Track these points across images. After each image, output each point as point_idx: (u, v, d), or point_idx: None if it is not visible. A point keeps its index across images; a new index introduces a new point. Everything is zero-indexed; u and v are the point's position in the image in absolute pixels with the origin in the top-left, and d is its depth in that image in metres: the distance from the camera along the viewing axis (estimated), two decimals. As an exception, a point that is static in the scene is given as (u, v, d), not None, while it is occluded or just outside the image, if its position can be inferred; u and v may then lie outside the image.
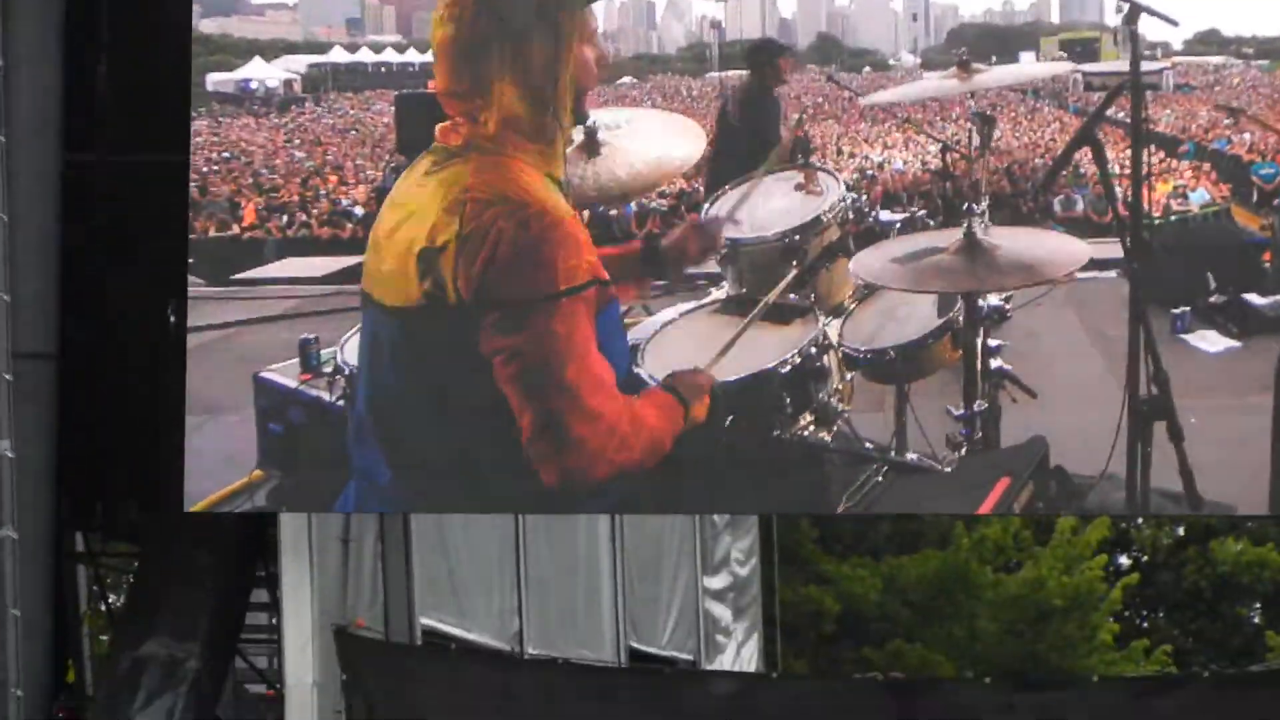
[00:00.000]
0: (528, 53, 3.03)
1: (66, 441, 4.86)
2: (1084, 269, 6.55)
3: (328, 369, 6.07)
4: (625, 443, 3.03)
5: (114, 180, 4.85)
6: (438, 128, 3.13)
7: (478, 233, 2.82)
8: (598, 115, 4.38)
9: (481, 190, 2.88)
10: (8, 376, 4.56)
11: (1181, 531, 12.31)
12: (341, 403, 5.43)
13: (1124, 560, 12.78)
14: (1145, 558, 12.88)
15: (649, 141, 5.09)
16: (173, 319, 4.77)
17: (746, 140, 9.24)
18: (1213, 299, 9.31)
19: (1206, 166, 21.58)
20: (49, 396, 4.87)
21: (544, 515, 5.89)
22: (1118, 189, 7.81)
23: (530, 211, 2.88)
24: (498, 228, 2.83)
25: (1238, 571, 12.53)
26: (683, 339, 4.73)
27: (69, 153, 4.80)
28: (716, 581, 8.33)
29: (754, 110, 9.66)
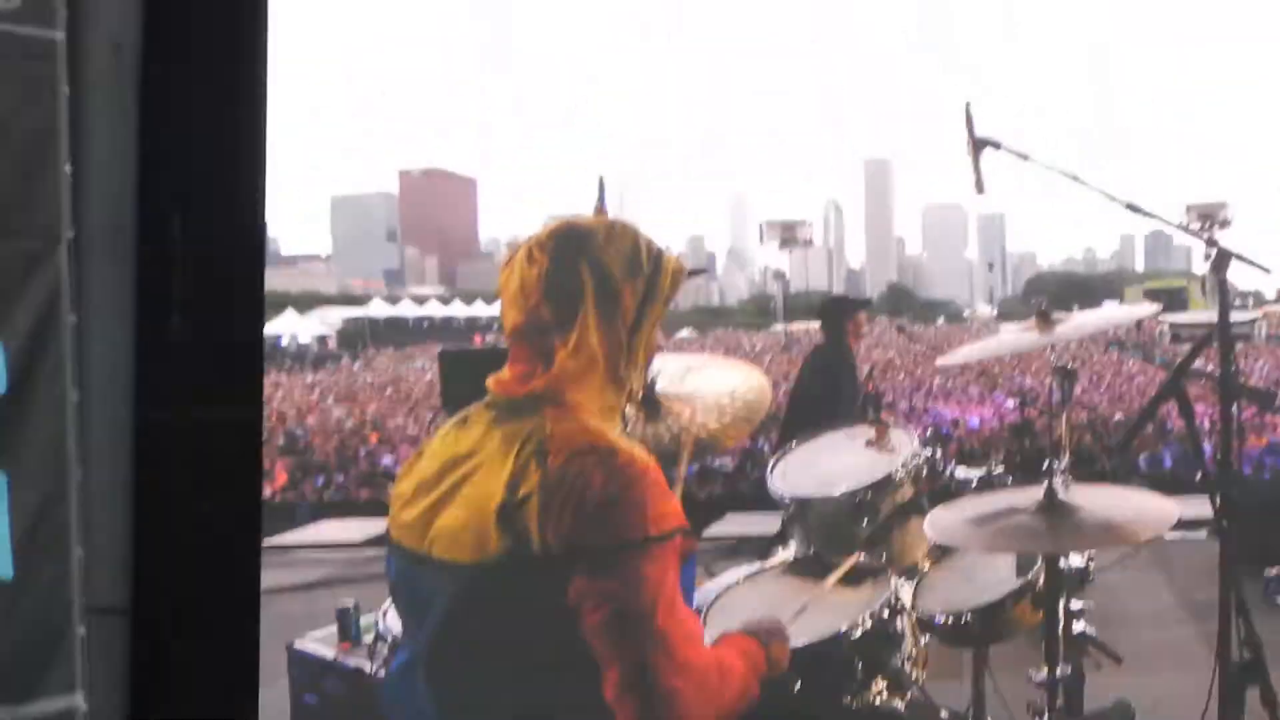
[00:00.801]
0: (623, 297, 3.11)
1: (139, 696, 4.91)
2: (1171, 529, 6.54)
3: (368, 637, 6.13)
4: (717, 694, 2.97)
5: (187, 435, 4.97)
6: (492, 379, 3.19)
7: (566, 481, 2.82)
8: (656, 363, 4.48)
9: (565, 439, 2.91)
10: (81, 630, 4.65)
11: None
12: (383, 673, 5.47)
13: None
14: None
15: (711, 396, 5.08)
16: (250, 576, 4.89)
17: (819, 398, 9.40)
18: (1310, 559, 9.29)
19: (1299, 419, 21.24)
20: (121, 650, 4.85)
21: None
22: (1206, 445, 7.84)
23: (620, 459, 2.89)
24: (587, 475, 2.84)
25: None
26: (748, 603, 4.73)
27: (142, 407, 4.94)
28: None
29: (827, 367, 9.83)
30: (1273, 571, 8.84)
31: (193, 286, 5.01)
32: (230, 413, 5.00)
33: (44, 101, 4.56)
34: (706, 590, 5.03)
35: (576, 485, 2.84)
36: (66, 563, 4.62)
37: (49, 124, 4.57)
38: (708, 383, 4.97)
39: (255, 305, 5.26)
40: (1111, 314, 5.80)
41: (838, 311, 10.26)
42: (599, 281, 3.08)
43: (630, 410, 3.59)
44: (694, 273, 3.56)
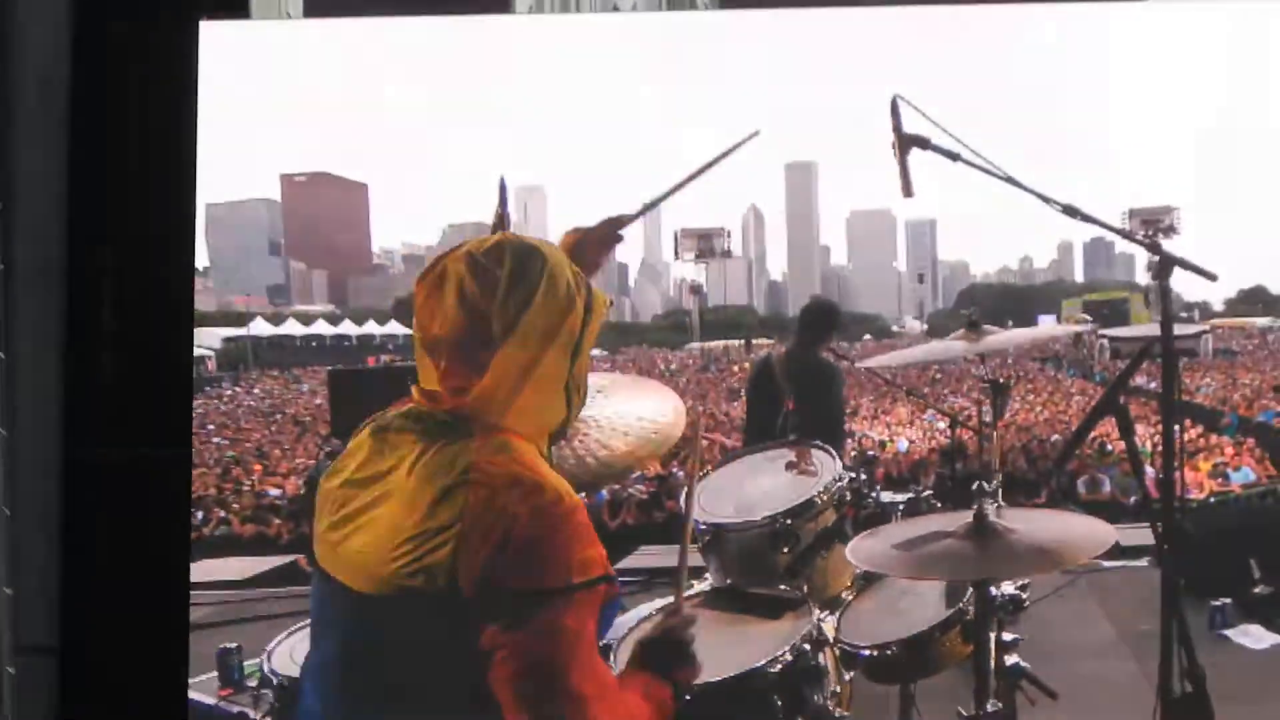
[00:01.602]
0: (569, 318, 3.13)
1: None
2: (1111, 557, 6.60)
3: (252, 682, 6.06)
4: None
5: (116, 473, 5.06)
6: (416, 389, 3.13)
7: (485, 520, 2.78)
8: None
9: (490, 473, 2.87)
10: (9, 670, 4.86)
11: None
12: None
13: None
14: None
15: (631, 405, 5.11)
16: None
17: (777, 409, 9.30)
18: (1257, 590, 9.41)
19: (1250, 442, 21.90)
20: (49, 690, 5.10)
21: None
22: (1149, 468, 7.90)
23: (546, 497, 2.86)
24: (510, 513, 2.80)
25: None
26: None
27: (70, 445, 5.03)
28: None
29: (802, 375, 9.71)
30: (1218, 602, 8.92)
31: (121, 322, 5.11)
32: (160, 450, 5.09)
33: None
34: (618, 625, 5.01)
35: (499, 523, 2.81)
36: None
37: None
38: (617, 406, 4.97)
39: (185, 341, 5.35)
40: (1044, 330, 5.85)
41: (828, 320, 10.16)
42: (548, 297, 3.07)
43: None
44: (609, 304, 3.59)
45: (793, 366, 9.47)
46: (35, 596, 5.10)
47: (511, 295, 3.04)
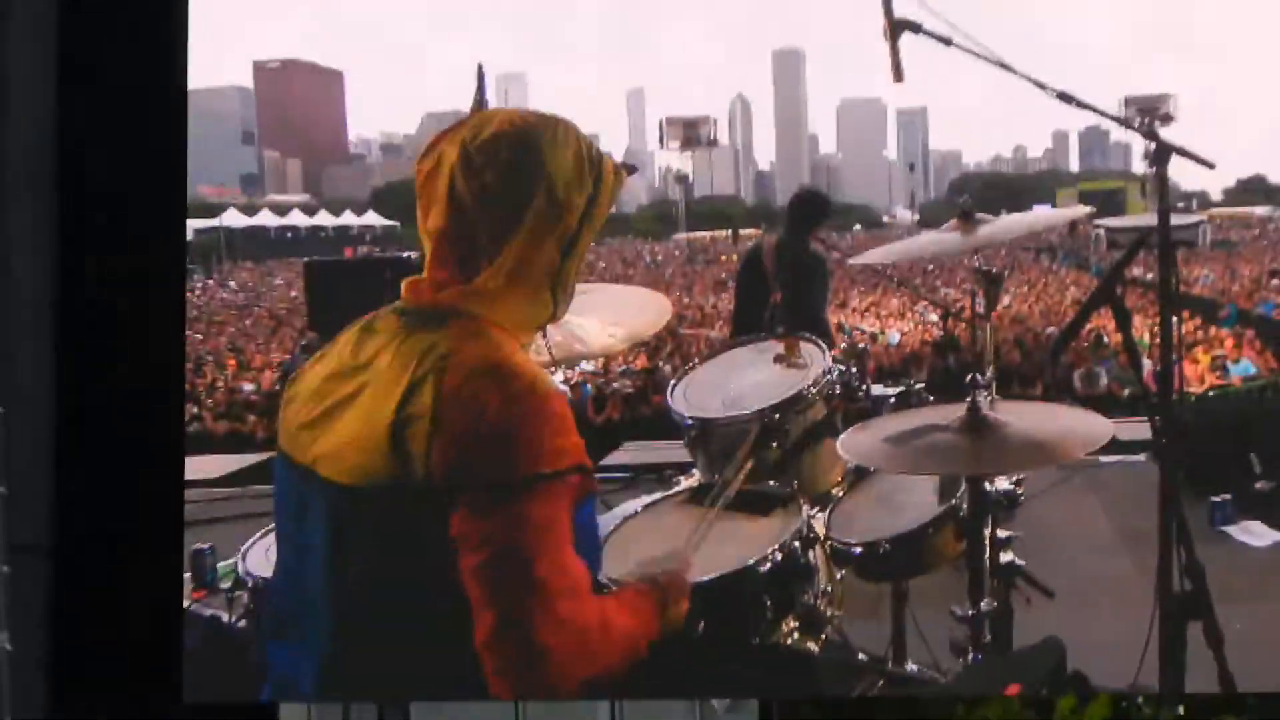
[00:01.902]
0: (566, 214, 3.08)
1: (61, 634, 5.37)
2: (1108, 452, 6.59)
3: (226, 583, 6.08)
4: (594, 654, 2.94)
5: (108, 374, 5.23)
6: (406, 283, 3.13)
7: (457, 405, 2.78)
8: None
9: (464, 358, 2.86)
10: (4, 569, 4.98)
11: (1182, 710, 12.44)
12: (243, 623, 5.44)
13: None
14: (1146, 736, 13.03)
15: (607, 312, 5.17)
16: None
17: (766, 300, 9.25)
18: (1258, 485, 9.44)
19: (1250, 334, 21.99)
20: (43, 589, 5.31)
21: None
22: (1146, 361, 7.91)
23: (520, 384, 2.86)
24: (481, 400, 2.80)
25: (1239, 754, 12.67)
26: (646, 536, 4.70)
27: (62, 343, 5.21)
28: (717, 770, 8.49)
29: (792, 266, 9.65)
30: (1218, 498, 8.93)
31: (114, 230, 5.44)
32: (153, 352, 5.26)
33: None
34: (602, 522, 5.00)
35: (469, 410, 2.81)
36: None
37: None
38: (596, 311, 5.07)
39: (178, 249, 5.53)
40: (1040, 216, 5.78)
41: (818, 209, 10.10)
42: (545, 197, 3.04)
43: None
44: (629, 171, 3.49)
45: (782, 257, 9.43)
46: (28, 496, 5.22)
47: (501, 204, 3.02)
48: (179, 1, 5.42)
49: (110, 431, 5.42)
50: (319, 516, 3.01)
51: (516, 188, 3.02)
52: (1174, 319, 4.43)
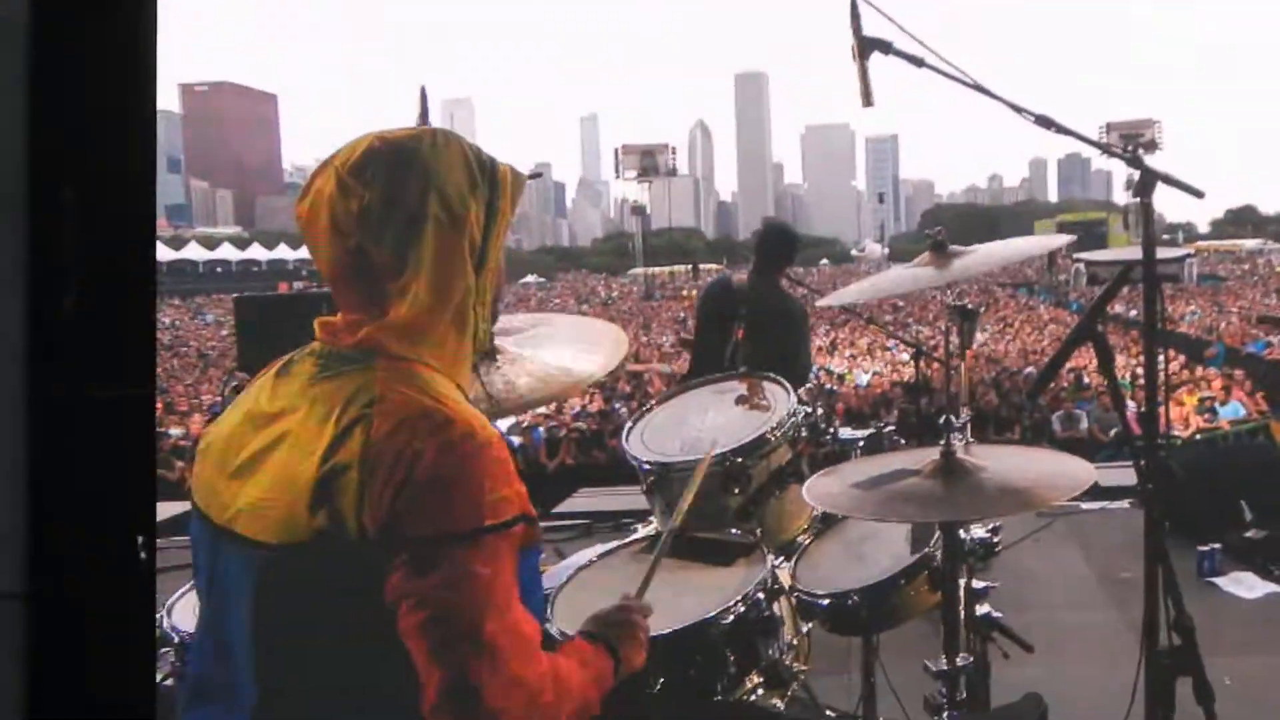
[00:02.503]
0: (465, 224, 2.98)
1: (38, 680, 5.33)
2: (1090, 498, 6.55)
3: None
4: (548, 712, 2.86)
5: (81, 414, 5.39)
6: (319, 323, 3.04)
7: (389, 455, 2.69)
8: (502, 321, 4.44)
9: (393, 403, 2.78)
10: None
11: None
12: (170, 683, 5.40)
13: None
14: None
15: (558, 349, 5.06)
16: (143, 555, 5.11)
17: (726, 338, 9.21)
18: (1249, 534, 9.47)
19: (1240, 374, 22.21)
20: (19, 635, 5.30)
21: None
22: (1130, 402, 7.90)
23: (455, 431, 2.76)
24: (414, 449, 2.70)
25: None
26: (601, 587, 4.63)
27: (34, 386, 5.36)
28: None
29: (767, 308, 9.56)
30: (1207, 547, 8.95)
31: (84, 261, 5.33)
32: (124, 390, 5.28)
33: None
34: (555, 573, 4.98)
35: (402, 460, 2.73)
36: None
37: None
38: (548, 346, 4.97)
39: (148, 278, 5.74)
40: (1018, 246, 5.70)
41: (786, 244, 9.98)
42: (435, 209, 2.95)
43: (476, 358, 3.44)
44: (531, 175, 3.42)
45: (754, 297, 9.34)
46: (2, 541, 5.24)
47: (387, 225, 2.94)
48: (147, 22, 5.56)
49: (80, 474, 5.51)
50: (239, 577, 2.94)
51: (401, 201, 2.94)
52: (1159, 358, 4.42)
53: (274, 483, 2.86)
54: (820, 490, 4.47)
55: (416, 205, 2.93)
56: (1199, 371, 23.09)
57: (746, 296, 9.27)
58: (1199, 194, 4.29)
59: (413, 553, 2.72)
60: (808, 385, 7.37)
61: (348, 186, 2.94)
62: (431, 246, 2.94)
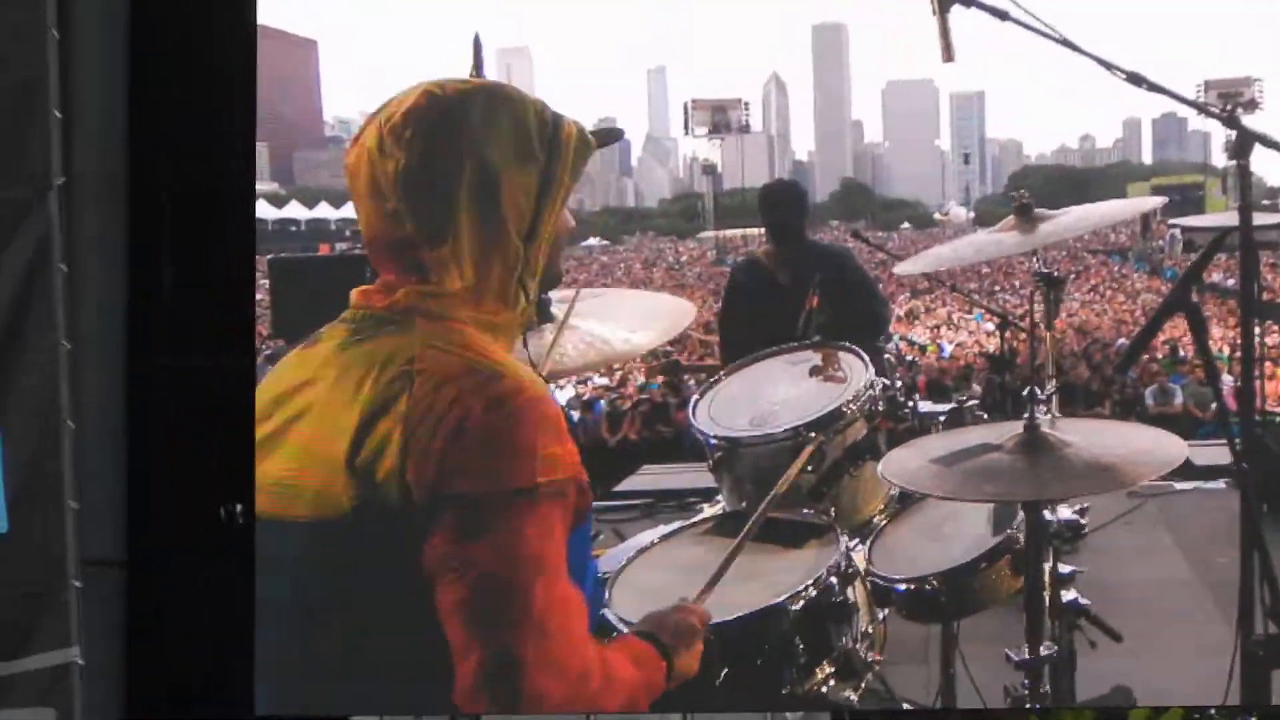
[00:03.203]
0: (511, 191, 2.94)
1: (136, 646, 5.95)
2: (1184, 477, 6.50)
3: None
4: (592, 703, 2.81)
5: (180, 384, 5.92)
6: (355, 292, 3.01)
7: (434, 414, 2.67)
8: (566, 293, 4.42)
9: (436, 362, 2.75)
10: (77, 584, 5.39)
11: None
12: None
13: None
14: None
15: (618, 321, 5.07)
16: (241, 521, 5.55)
17: (765, 318, 9.10)
18: (1355, 516, 9.36)
19: (1345, 349, 21.61)
20: (118, 602, 5.88)
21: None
22: (1225, 376, 7.85)
23: (504, 385, 2.74)
24: (462, 405, 2.68)
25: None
26: (663, 572, 4.65)
27: (134, 357, 5.85)
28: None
29: (770, 279, 9.45)
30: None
31: (183, 233, 5.93)
32: (224, 360, 5.80)
33: (33, 47, 5.26)
34: (613, 555, 4.97)
35: (448, 417, 2.70)
36: (61, 516, 5.34)
37: (38, 70, 5.27)
38: (606, 318, 4.98)
39: (247, 251, 5.98)
40: (1108, 209, 5.64)
41: (796, 200, 9.74)
42: (478, 174, 2.91)
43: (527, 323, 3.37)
44: (604, 138, 3.29)
45: (793, 260, 9.03)
46: (102, 510, 5.72)
47: (424, 192, 2.92)
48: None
49: (181, 443, 5.94)
50: (278, 559, 2.94)
51: (439, 168, 2.90)
52: (1257, 329, 4.39)
53: (303, 455, 2.85)
54: (896, 466, 4.45)
55: (450, 171, 2.90)
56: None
57: (793, 266, 8.99)
58: (1300, 155, 4.24)
59: (460, 513, 2.69)
60: (886, 349, 7.29)
61: (386, 146, 2.93)
62: (470, 219, 2.92)
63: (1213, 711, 5.41)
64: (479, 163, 2.91)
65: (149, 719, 6.04)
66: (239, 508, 5.66)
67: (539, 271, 3.07)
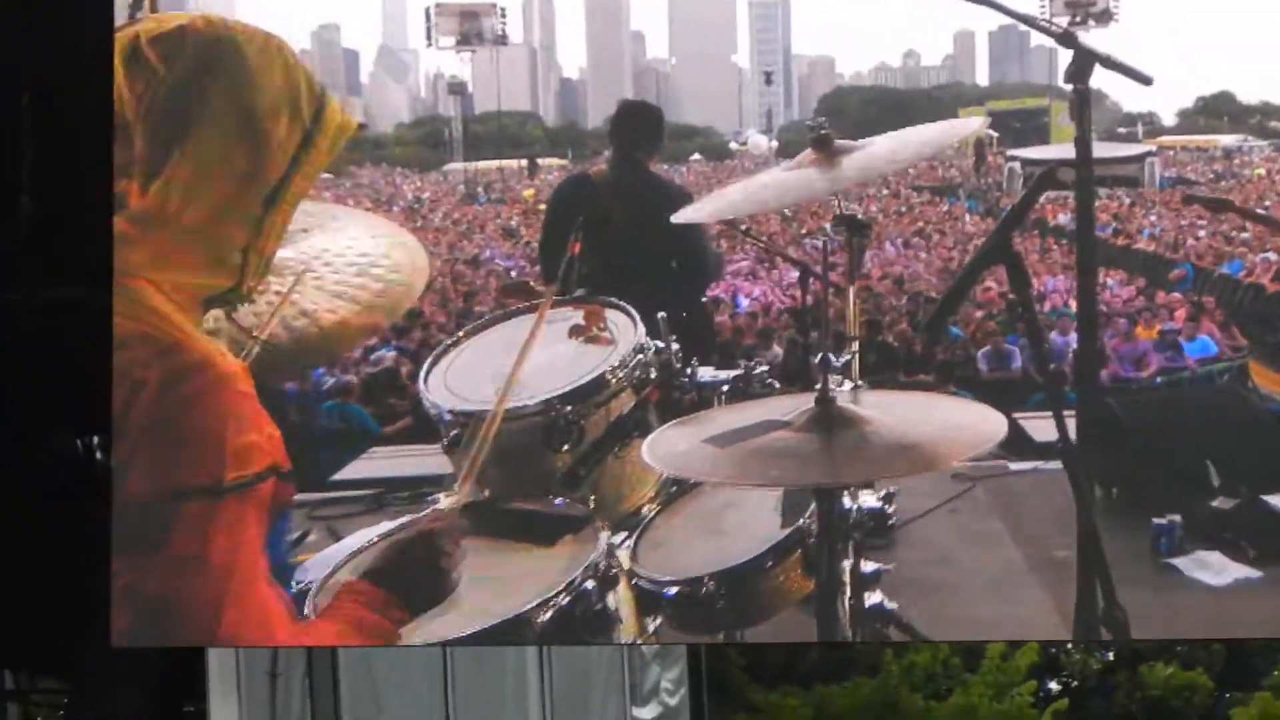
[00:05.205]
0: (269, 148, 2.96)
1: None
2: (1019, 457, 6.59)
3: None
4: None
5: (36, 316, 6.49)
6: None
7: (116, 384, 2.67)
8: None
9: (117, 327, 2.75)
10: None
11: (1111, 656, 13.28)
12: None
13: (1054, 685, 13.80)
14: (1075, 683, 13.84)
15: (334, 271, 4.89)
16: (98, 455, 6.04)
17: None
18: (1216, 503, 9.55)
19: (1211, 302, 22.45)
20: None
21: (473, 650, 6.94)
22: (1058, 336, 7.94)
23: (188, 358, 2.72)
24: (134, 378, 2.67)
25: (1168, 696, 13.46)
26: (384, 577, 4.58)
27: None
28: (646, 712, 9.04)
29: (598, 204, 9.33)
30: (1164, 519, 8.96)
31: (40, 166, 6.41)
32: (81, 294, 6.00)
33: None
34: (318, 561, 4.93)
35: (118, 391, 2.70)
36: None
37: None
38: (331, 249, 4.78)
39: (105, 183, 6.26)
40: (925, 135, 5.64)
41: (652, 123, 9.65)
42: (236, 115, 2.94)
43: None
44: (361, 128, 3.43)
45: (618, 189, 8.96)
46: None
47: (169, 116, 2.92)
48: None
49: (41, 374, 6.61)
50: None
51: (191, 87, 2.91)
52: (1097, 280, 4.44)
53: None
54: (663, 448, 4.42)
55: (205, 98, 2.92)
56: (1161, 297, 23.18)
57: (612, 193, 8.90)
58: (1146, 80, 4.29)
59: (127, 515, 2.65)
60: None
61: (140, 58, 2.93)
62: (206, 158, 2.92)
63: (1069, 647, 5.56)
64: (242, 110, 2.95)
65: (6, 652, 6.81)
66: (95, 439, 6.19)
67: (266, 249, 3.08)
